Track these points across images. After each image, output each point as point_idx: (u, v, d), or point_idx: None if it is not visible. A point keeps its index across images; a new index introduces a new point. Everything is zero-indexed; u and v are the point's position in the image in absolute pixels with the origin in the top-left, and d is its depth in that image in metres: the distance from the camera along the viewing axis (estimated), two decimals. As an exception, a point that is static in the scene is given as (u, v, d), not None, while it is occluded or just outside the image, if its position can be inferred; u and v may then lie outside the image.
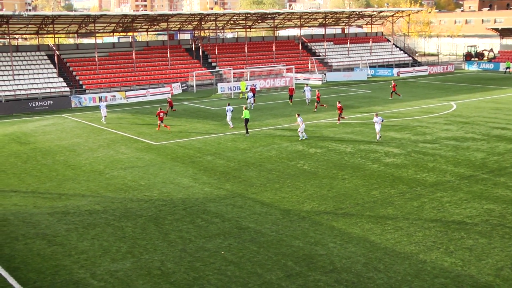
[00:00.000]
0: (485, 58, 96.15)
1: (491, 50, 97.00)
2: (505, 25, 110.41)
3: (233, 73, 68.36)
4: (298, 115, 38.48)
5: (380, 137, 37.49)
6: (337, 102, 45.14)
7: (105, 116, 48.02)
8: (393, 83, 58.89)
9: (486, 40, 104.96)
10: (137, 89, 65.12)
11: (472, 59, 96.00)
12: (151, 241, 21.42)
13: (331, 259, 19.47)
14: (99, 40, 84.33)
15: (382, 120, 37.35)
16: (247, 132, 40.89)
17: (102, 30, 74.54)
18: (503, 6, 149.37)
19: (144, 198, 26.82)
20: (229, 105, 45.06)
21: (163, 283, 17.97)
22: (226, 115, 44.01)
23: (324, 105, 51.33)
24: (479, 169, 30.41)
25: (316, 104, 51.69)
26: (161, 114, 43.08)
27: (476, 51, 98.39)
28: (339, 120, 44.63)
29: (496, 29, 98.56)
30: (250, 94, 53.55)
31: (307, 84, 59.66)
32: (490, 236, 21.17)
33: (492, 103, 54.29)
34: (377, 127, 37.02)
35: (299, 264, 19.14)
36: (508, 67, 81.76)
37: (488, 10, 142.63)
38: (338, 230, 22.13)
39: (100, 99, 57.77)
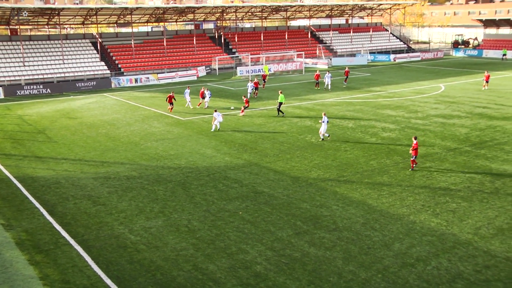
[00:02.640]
0: (470, 46, 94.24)
1: (476, 38, 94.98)
2: (488, 16, 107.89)
3: (251, 58, 67.98)
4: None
5: (328, 136, 31.39)
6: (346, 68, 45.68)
7: (190, 101, 43.37)
8: (346, 69, 56.22)
9: (471, 29, 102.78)
10: (167, 72, 64.97)
11: (459, 46, 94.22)
12: (179, 203, 21.56)
13: (334, 219, 19.48)
14: (135, 29, 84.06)
15: (328, 122, 30.98)
16: (281, 113, 38.64)
17: (137, 21, 74.14)
18: (487, 0, 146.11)
19: (174, 166, 26.93)
20: (251, 81, 45.36)
21: (189, 238, 18.14)
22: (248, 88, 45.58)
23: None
24: (463, 142, 30.07)
25: (345, 79, 54.73)
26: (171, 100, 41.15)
27: (463, 39, 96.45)
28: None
29: (481, 20, 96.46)
30: (251, 85, 47.61)
31: (328, 71, 55.85)
32: (471, 201, 21.03)
33: (475, 85, 53.41)
34: (323, 127, 30.69)
35: (306, 223, 19.19)
36: (504, 54, 79.95)
37: (474, 3, 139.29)
38: (340, 194, 22.10)
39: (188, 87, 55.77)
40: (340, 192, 22.40)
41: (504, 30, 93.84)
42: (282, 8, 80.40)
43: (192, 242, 17.78)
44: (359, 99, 45.76)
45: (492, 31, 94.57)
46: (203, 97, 43.20)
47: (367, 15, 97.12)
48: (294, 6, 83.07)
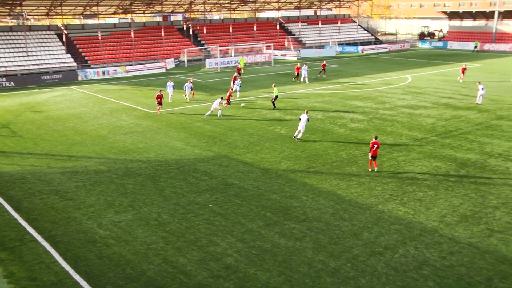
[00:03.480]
0: (436, 37, 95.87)
1: (441, 30, 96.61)
2: (453, 9, 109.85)
3: (220, 50, 67.70)
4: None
5: (298, 135, 29.68)
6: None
7: (171, 95, 41.93)
8: (323, 62, 56.38)
9: (437, 21, 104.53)
10: (135, 64, 64.11)
11: (425, 38, 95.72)
12: (149, 196, 21.38)
13: (303, 210, 19.63)
14: (101, 21, 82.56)
15: (308, 120, 29.49)
16: (274, 107, 38.23)
17: (104, 12, 72.86)
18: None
19: (143, 159, 26.67)
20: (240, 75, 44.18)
21: (159, 231, 18.02)
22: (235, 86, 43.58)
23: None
24: (429, 132, 30.64)
25: (322, 71, 54.80)
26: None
27: (429, 31, 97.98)
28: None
29: (445, 12, 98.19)
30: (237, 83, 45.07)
31: (305, 63, 55.63)
32: (437, 189, 21.47)
33: (441, 76, 54.41)
34: (302, 124, 29.16)
35: (276, 214, 19.28)
36: (476, 46, 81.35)
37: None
38: (310, 185, 22.26)
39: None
40: (309, 183, 22.56)
41: (468, 22, 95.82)
42: (251, 0, 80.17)
43: (162, 236, 17.67)
44: (328, 91, 46.08)
45: (456, 23, 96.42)
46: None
47: (335, 7, 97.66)
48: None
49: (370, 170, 23.87)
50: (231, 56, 69.34)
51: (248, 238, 17.39)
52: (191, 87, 42.59)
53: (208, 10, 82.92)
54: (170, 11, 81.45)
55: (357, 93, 44.38)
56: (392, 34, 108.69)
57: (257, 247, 16.71)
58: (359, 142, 28.89)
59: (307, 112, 29.80)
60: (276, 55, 74.61)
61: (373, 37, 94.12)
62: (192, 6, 77.00)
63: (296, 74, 52.35)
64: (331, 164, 25.14)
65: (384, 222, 18.38)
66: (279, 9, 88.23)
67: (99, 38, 67.55)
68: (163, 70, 63.62)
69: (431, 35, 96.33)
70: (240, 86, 43.90)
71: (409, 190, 21.48)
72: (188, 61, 69.17)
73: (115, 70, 60.21)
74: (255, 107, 38.86)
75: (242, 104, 39.11)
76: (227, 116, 35.96)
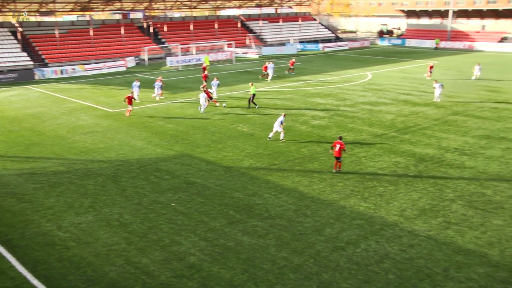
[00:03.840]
0: (394, 35, 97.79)
1: (399, 28, 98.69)
2: (410, 7, 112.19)
3: (181, 48, 67.23)
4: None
5: (270, 137, 29.07)
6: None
7: (137, 95, 40.35)
8: (292, 60, 56.81)
9: (395, 19, 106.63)
10: (95, 63, 62.97)
11: (384, 35, 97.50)
12: (110, 197, 21.06)
13: (266, 207, 19.71)
14: (59, 19, 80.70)
15: (282, 123, 28.65)
16: (254, 104, 37.70)
17: (61, 9, 71.22)
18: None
19: (103, 159, 26.24)
20: (216, 79, 41.83)
21: (121, 232, 17.78)
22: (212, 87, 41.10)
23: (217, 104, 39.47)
24: (389, 128, 31.23)
25: (290, 69, 54.92)
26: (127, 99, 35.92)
27: (387, 29, 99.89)
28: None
29: (403, 11, 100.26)
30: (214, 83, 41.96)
31: (270, 61, 54.63)
32: (397, 184, 21.92)
33: (400, 73, 55.54)
34: (276, 125, 28.68)
35: (239, 212, 19.30)
36: (437, 43, 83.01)
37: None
38: (272, 183, 22.37)
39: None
40: (272, 180, 22.67)
41: (424, 20, 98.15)
42: (212, -3, 79.93)
43: (124, 236, 17.44)
44: (289, 88, 46.37)
45: (413, 21, 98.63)
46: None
47: (296, 5, 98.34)
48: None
49: (334, 171, 23.30)
50: (192, 54, 68.92)
51: (211, 236, 17.35)
52: (161, 86, 41.63)
53: (169, 8, 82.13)
54: (130, 8, 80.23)
55: (318, 91, 44.83)
56: (352, 32, 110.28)
57: (220, 245, 16.70)
58: (321, 139, 29.19)
59: (284, 115, 29.22)
60: (237, 53, 74.63)
61: (333, 34, 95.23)
62: (152, 3, 76.13)
63: (264, 72, 52.19)
64: (293, 161, 25.33)
65: (346, 218, 18.65)
66: (240, 7, 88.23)
67: (57, 36, 65.99)
68: (124, 69, 62.72)
69: (390, 32, 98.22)
70: (218, 86, 41.68)
71: (370, 185, 21.85)
72: (149, 59, 68.41)
73: (74, 69, 58.99)
74: (215, 105, 38.75)
75: (223, 104, 38.20)
76: (189, 115, 35.75)
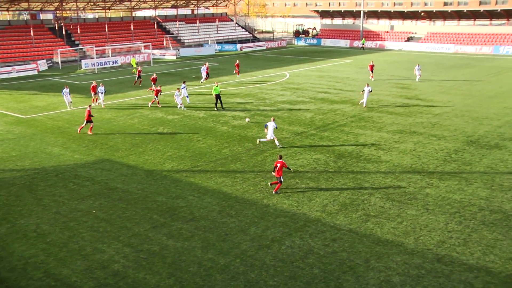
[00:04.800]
0: (310, 35, 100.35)
1: (314, 28, 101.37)
2: (324, 8, 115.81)
3: (96, 50, 65.20)
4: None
5: (262, 139, 28.53)
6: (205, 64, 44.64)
7: (71, 102, 38.24)
8: (237, 62, 56.15)
9: (310, 20, 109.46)
10: (2, 66, 59.51)
11: (300, 35, 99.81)
12: (25, 207, 20.06)
13: (190, 209, 19.60)
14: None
15: (276, 127, 27.89)
16: (222, 106, 36.82)
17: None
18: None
19: (17, 168, 24.93)
20: (184, 82, 40.16)
21: (39, 243, 16.99)
22: (177, 95, 37.76)
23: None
24: (308, 126, 32.04)
25: (206, 77, 50.00)
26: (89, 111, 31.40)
27: (303, 29, 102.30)
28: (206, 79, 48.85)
29: (317, 11, 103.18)
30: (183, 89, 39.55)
31: (206, 62, 53.96)
32: (318, 181, 22.54)
33: (317, 71, 57.10)
34: (270, 133, 27.73)
35: (163, 216, 19.06)
36: (363, 44, 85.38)
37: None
38: (195, 184, 22.27)
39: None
40: (195, 182, 22.57)
41: (338, 21, 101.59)
42: (126, -2, 78.20)
43: (42, 248, 16.68)
44: (209, 89, 46.29)
45: (327, 21, 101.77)
46: (96, 93, 39.07)
47: (212, 5, 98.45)
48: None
49: (274, 192, 21.13)
50: (108, 56, 67.03)
51: (135, 242, 17.00)
52: (104, 91, 38.73)
53: (81, 8, 79.50)
54: (39, 9, 76.82)
55: (238, 91, 45.12)
56: (269, 32, 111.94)
57: (145, 251, 16.40)
58: (242, 139, 29.42)
59: (273, 119, 28.08)
60: (155, 55, 73.52)
61: (251, 35, 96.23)
62: (64, 4, 73.28)
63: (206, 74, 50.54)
64: (216, 162, 25.35)
65: (270, 216, 18.93)
66: (156, 7, 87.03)
67: (-43, 38, 61.85)
68: (35, 72, 59.85)
69: (306, 33, 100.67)
70: (104, 93, 39.08)
71: (292, 183, 22.31)
72: (62, 62, 65.74)
73: (-22, 73, 55.52)
74: (136, 108, 38.00)
75: (247, 120, 33.29)
76: (107, 119, 34.77)
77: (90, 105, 32.16)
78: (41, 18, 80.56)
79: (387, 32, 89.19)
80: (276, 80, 51.09)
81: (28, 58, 64.86)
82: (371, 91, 37.94)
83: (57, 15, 77.75)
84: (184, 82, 40.28)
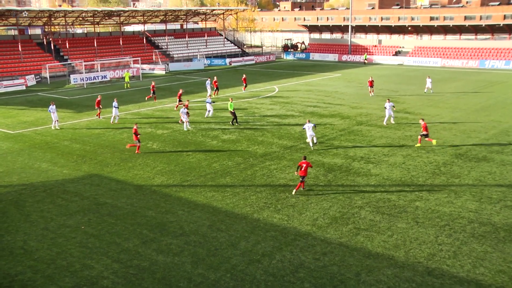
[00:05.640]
0: (299, 49, 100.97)
1: (303, 42, 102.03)
2: (312, 22, 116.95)
3: (84, 65, 65.08)
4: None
5: (311, 143, 30.18)
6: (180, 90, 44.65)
7: (57, 120, 36.94)
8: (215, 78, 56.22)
9: (298, 34, 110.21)
10: (-11, 82, 59.25)
11: (289, 50, 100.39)
12: (12, 223, 19.83)
13: (180, 224, 19.49)
14: None
15: (315, 126, 29.95)
16: (237, 122, 36.62)
17: (-51, 25, 66.63)
18: (309, 7, 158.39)
19: (4, 184, 24.68)
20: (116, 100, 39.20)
21: (26, 260, 16.77)
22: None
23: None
24: (298, 140, 32.09)
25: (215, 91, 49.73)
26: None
27: (292, 43, 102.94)
28: (177, 107, 43.38)
29: (306, 26, 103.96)
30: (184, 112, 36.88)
31: (209, 78, 52.85)
32: (308, 194, 22.53)
33: (305, 85, 57.36)
34: (310, 133, 29.55)
35: (153, 231, 18.92)
36: (365, 59, 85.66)
37: (299, 10, 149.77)
38: (185, 199, 22.17)
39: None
40: (184, 196, 22.46)
41: (326, 35, 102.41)
42: (115, 13, 78.28)
43: (30, 265, 16.46)
44: (198, 103, 46.32)
45: (316, 35, 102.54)
46: (99, 107, 38.83)
47: (201, 20, 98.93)
48: (127, 11, 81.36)
49: (295, 191, 22.49)
50: (97, 71, 66.92)
51: (124, 258, 16.83)
52: (117, 106, 38.00)
53: (70, 23, 79.45)
54: (27, 24, 76.72)
55: (227, 105, 45.07)
56: (258, 47, 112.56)
57: (134, 266, 16.24)
58: (232, 153, 29.40)
59: (309, 121, 30.00)
60: (144, 69, 73.57)
61: (239, 49, 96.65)
62: (52, 19, 73.25)
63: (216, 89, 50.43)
64: (205, 176, 25.28)
65: (260, 230, 18.86)
66: (144, 22, 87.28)
67: None
68: (23, 88, 59.54)
69: (294, 47, 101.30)
70: (117, 108, 38.52)
71: (282, 197, 22.29)
72: (51, 77, 65.57)
73: (-35, 89, 55.11)
74: (125, 123, 37.87)
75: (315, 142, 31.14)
76: (96, 135, 34.60)
77: (136, 123, 30.81)
78: (29, 33, 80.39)
79: (375, 46, 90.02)
80: (265, 94, 51.23)
81: (16, 73, 64.58)
82: (394, 106, 36.26)
83: (46, 30, 77.63)
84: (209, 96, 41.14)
